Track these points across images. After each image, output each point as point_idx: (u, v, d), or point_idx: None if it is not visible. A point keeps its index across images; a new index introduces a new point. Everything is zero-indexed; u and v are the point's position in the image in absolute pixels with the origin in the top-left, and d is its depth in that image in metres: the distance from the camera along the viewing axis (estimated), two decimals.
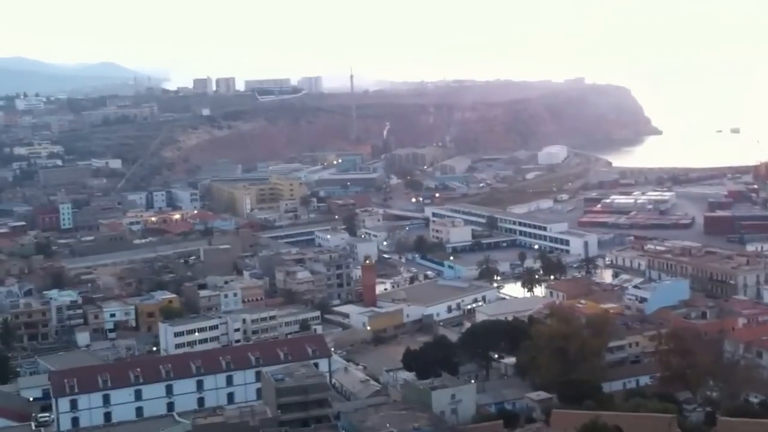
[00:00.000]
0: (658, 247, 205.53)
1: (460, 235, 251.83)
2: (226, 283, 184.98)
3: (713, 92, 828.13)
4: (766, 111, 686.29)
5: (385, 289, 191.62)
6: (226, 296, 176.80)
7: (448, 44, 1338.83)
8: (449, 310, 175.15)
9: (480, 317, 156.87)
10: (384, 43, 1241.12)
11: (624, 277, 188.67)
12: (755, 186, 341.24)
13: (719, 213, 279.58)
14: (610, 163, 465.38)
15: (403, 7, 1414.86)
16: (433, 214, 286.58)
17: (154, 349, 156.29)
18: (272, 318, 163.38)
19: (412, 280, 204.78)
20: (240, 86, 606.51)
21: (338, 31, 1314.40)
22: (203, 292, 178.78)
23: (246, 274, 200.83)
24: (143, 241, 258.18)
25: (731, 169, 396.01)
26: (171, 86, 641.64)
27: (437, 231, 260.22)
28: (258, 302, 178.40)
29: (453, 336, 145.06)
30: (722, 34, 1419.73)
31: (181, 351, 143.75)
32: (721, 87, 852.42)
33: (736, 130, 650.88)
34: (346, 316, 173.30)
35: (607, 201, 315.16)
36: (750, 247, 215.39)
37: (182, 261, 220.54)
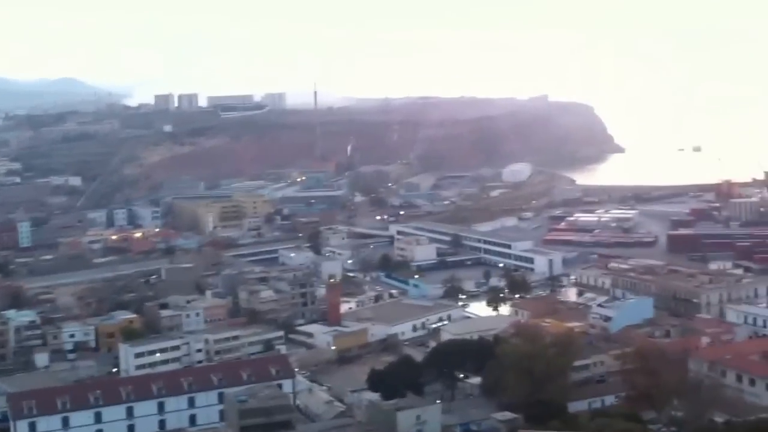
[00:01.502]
0: (622, 266, 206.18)
1: (425, 253, 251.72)
2: (188, 302, 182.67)
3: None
4: (729, 130, 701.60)
5: (350, 308, 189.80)
6: (188, 316, 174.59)
7: (413, 60, 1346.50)
8: (414, 329, 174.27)
9: (445, 336, 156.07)
10: (348, 61, 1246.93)
11: (589, 295, 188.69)
12: (717, 204, 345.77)
13: (682, 231, 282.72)
14: (574, 181, 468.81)
15: (365, 24, 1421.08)
16: (398, 232, 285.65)
17: (115, 370, 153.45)
18: (235, 338, 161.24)
19: (377, 298, 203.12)
20: (203, 102, 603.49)
21: (301, 47, 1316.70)
22: (165, 312, 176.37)
23: (209, 293, 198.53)
24: (104, 260, 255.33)
25: (694, 187, 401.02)
26: (132, 102, 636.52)
27: (402, 249, 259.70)
28: (221, 322, 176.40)
29: (418, 355, 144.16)
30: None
31: (142, 372, 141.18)
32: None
33: (698, 149, 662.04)
34: (311, 335, 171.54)
35: (572, 219, 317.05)
36: (713, 266, 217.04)
37: (143, 280, 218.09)
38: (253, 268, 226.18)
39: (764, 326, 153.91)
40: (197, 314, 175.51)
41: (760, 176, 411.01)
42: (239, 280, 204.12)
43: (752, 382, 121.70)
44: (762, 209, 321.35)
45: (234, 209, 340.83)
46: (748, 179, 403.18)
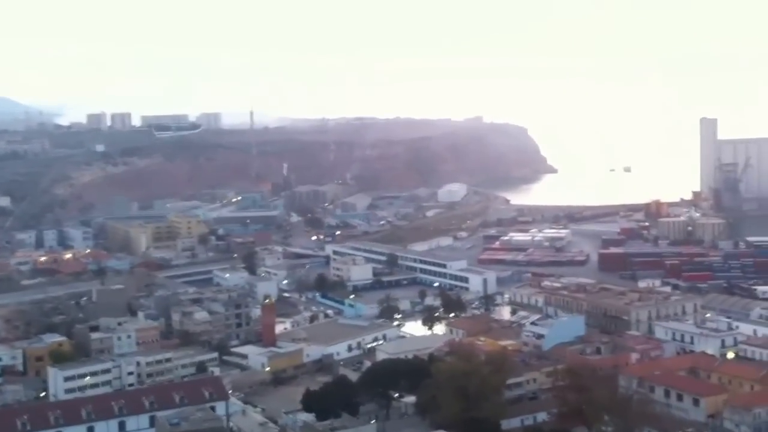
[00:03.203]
0: (554, 284, 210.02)
1: (360, 273, 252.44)
2: (119, 324, 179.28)
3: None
4: (658, 150, 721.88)
5: (285, 329, 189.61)
6: (119, 338, 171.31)
7: (349, 81, 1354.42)
8: (350, 349, 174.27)
9: (380, 356, 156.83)
10: (285, 79, 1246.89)
11: (522, 314, 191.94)
12: (647, 223, 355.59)
13: (612, 250, 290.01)
14: (508, 201, 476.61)
15: (300, 49, 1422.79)
16: (334, 252, 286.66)
17: (43, 394, 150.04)
18: (167, 360, 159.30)
19: (313, 319, 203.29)
20: (136, 122, 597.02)
21: (237, 67, 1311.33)
22: (95, 335, 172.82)
23: (141, 315, 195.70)
24: (32, 281, 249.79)
25: (624, 207, 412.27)
26: (64, 121, 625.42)
27: (338, 269, 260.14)
28: (153, 344, 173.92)
29: (353, 376, 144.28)
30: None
31: (71, 396, 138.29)
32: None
33: (628, 169, 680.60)
34: (245, 357, 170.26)
35: (506, 238, 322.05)
36: (642, 284, 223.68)
37: (73, 302, 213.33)
38: (187, 289, 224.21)
39: (691, 342, 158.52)
40: (128, 336, 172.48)
41: (688, 196, 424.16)
42: (172, 301, 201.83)
43: (680, 398, 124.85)
44: (689, 228, 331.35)
45: (168, 230, 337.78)
46: (677, 199, 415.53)
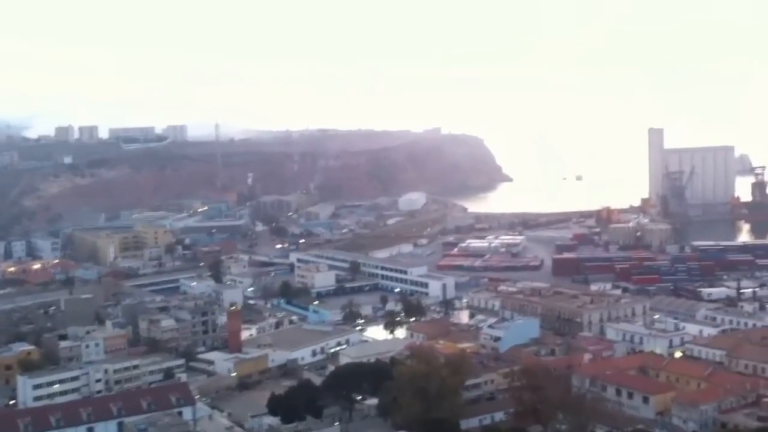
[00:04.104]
0: (510, 288, 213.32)
1: (324, 279, 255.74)
2: (87, 333, 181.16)
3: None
4: (610, 157, 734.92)
5: (251, 335, 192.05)
6: (87, 346, 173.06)
7: (312, 93, 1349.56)
8: (314, 354, 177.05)
9: (343, 360, 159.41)
10: (250, 92, 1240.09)
11: (480, 317, 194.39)
12: (598, 229, 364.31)
13: (565, 255, 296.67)
14: (465, 209, 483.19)
15: (261, 59, 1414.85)
16: (298, 260, 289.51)
17: (12, 402, 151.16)
18: (135, 367, 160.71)
19: (278, 325, 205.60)
20: (104, 134, 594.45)
21: (202, 81, 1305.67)
22: (64, 343, 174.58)
23: (108, 323, 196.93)
24: (1, 291, 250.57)
25: (576, 213, 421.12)
26: (32, 134, 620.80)
27: (302, 276, 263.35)
28: (121, 352, 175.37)
29: (317, 379, 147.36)
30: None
31: (40, 404, 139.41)
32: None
33: (579, 177, 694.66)
34: (211, 363, 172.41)
35: (464, 245, 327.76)
36: (594, 287, 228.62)
37: (42, 311, 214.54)
38: (154, 297, 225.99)
39: (641, 343, 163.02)
40: (96, 344, 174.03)
41: (637, 203, 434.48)
42: (139, 309, 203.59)
43: (630, 396, 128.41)
44: (638, 233, 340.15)
45: (135, 240, 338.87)
46: (626, 206, 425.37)
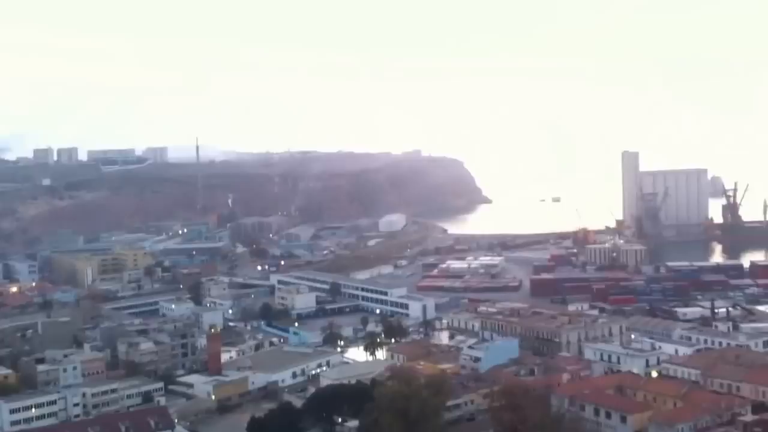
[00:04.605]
0: (489, 309, 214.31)
1: (304, 301, 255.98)
2: (65, 356, 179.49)
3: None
4: (587, 180, 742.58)
5: (231, 357, 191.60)
6: (65, 370, 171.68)
7: (292, 114, 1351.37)
8: (294, 376, 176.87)
9: (324, 382, 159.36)
10: (230, 114, 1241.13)
11: (460, 338, 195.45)
12: (575, 250, 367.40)
13: (544, 276, 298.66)
14: (445, 230, 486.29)
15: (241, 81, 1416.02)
16: (279, 282, 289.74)
17: None
18: (113, 391, 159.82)
19: (258, 347, 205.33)
20: (83, 156, 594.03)
21: (183, 103, 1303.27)
22: (41, 367, 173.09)
23: (87, 346, 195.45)
24: None
25: (554, 235, 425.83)
26: (10, 156, 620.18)
27: (282, 298, 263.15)
28: (99, 375, 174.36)
29: (298, 402, 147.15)
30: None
31: (17, 429, 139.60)
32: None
33: (557, 199, 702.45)
34: (191, 386, 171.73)
35: (444, 266, 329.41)
36: (571, 307, 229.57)
37: (19, 335, 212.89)
38: (133, 320, 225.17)
39: (618, 362, 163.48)
40: (74, 368, 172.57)
41: (612, 224, 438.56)
42: (118, 332, 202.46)
43: (608, 415, 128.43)
44: (614, 254, 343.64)
45: (114, 262, 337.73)
46: (602, 227, 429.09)
